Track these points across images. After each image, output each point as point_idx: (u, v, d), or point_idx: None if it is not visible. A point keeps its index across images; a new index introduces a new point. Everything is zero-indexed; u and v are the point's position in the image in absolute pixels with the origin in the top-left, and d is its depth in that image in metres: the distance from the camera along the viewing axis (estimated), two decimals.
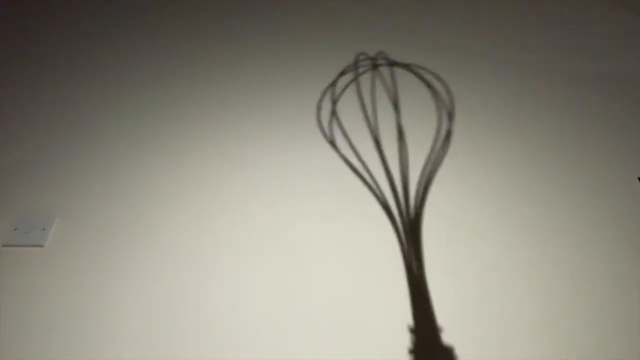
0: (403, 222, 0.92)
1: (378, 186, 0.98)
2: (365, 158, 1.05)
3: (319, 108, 1.08)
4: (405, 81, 1.22)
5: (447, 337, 0.83)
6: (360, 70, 1.16)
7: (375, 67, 1.14)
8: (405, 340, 0.82)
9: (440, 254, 0.94)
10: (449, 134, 1.04)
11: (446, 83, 1.13)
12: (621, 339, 0.83)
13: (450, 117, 1.05)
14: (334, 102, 1.03)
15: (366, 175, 1.00)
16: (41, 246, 0.95)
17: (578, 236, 0.97)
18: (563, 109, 1.21)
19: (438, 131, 1.07)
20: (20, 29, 1.47)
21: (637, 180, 1.06)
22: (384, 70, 1.17)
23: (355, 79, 1.11)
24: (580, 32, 1.43)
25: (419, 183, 1.01)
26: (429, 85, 1.09)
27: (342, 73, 1.13)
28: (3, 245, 0.96)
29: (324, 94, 1.08)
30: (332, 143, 0.98)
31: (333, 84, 1.07)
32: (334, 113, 1.01)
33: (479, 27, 1.45)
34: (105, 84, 1.29)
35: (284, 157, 1.10)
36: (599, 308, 0.87)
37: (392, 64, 1.14)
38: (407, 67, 1.12)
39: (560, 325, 0.85)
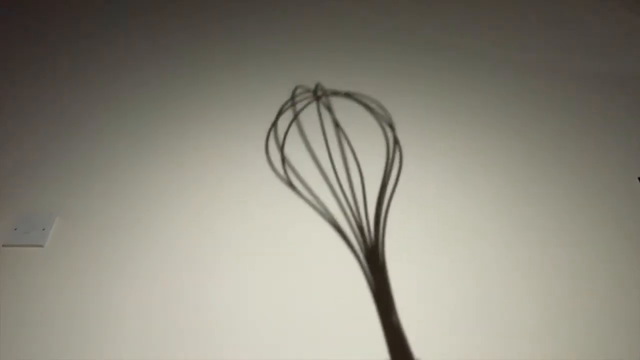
0: (366, 251, 0.91)
1: (335, 221, 0.97)
2: (322, 191, 1.04)
3: (266, 149, 1.07)
4: (346, 107, 1.19)
5: (448, 337, 0.83)
6: (300, 105, 1.15)
7: (318, 98, 1.14)
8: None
9: (440, 255, 0.94)
10: (396, 141, 1.04)
11: (379, 102, 1.13)
12: (621, 339, 0.83)
13: (392, 127, 1.06)
14: (281, 147, 1.03)
15: (324, 212, 0.99)
16: (41, 246, 0.95)
17: (578, 236, 0.97)
18: (563, 109, 1.21)
19: (386, 143, 1.07)
20: (20, 29, 1.47)
21: (637, 180, 1.06)
22: (325, 101, 1.17)
23: (296, 117, 1.11)
24: (580, 32, 1.43)
25: (379, 205, 1.00)
26: (367, 107, 1.09)
27: (281, 112, 1.12)
28: (3, 245, 0.96)
29: (268, 134, 1.08)
30: (291, 185, 0.98)
31: (274, 124, 1.06)
32: (283, 160, 1.01)
33: (479, 27, 1.45)
34: (105, 83, 1.29)
35: (284, 157, 1.10)
36: (599, 308, 0.87)
37: (332, 94, 1.14)
38: (347, 95, 1.12)
39: (560, 325, 0.85)
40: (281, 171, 1.07)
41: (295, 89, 1.16)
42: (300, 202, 1.02)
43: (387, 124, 1.05)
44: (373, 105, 1.08)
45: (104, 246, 0.96)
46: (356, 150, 1.07)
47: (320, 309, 0.87)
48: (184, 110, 1.22)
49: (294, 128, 1.10)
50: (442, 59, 1.33)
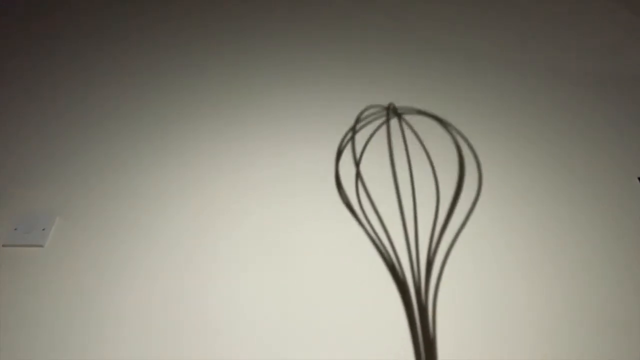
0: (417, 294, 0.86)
1: (395, 253, 0.92)
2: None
3: (337, 172, 1.01)
4: (421, 128, 1.11)
5: (448, 338, 0.83)
6: (378, 122, 1.08)
7: (399, 115, 1.06)
8: (404, 342, 0.82)
9: (440, 255, 0.94)
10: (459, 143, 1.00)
11: (464, 136, 1.07)
12: (621, 339, 0.83)
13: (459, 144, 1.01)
14: (357, 165, 0.97)
15: (384, 240, 0.95)
16: (41, 246, 0.95)
17: (578, 236, 0.97)
18: (563, 109, 1.21)
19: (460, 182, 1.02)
20: (20, 29, 1.46)
21: (637, 180, 1.06)
22: (396, 121, 1.09)
23: (375, 132, 1.04)
24: (580, 32, 1.43)
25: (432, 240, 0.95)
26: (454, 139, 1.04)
27: (354, 132, 1.04)
28: (3, 245, 0.96)
29: (339, 155, 1.01)
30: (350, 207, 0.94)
31: (344, 145, 0.99)
32: (358, 175, 0.96)
33: (479, 27, 1.45)
34: (105, 84, 1.29)
35: (285, 157, 1.10)
36: (599, 308, 0.87)
37: (415, 112, 1.06)
38: (422, 113, 1.06)
39: (560, 325, 0.85)
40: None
41: (364, 109, 1.12)
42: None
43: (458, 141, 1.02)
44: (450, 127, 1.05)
45: (104, 246, 0.96)
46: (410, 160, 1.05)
47: (321, 309, 0.87)
48: (184, 110, 1.22)
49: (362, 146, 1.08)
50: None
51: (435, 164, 1.03)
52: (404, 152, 1.04)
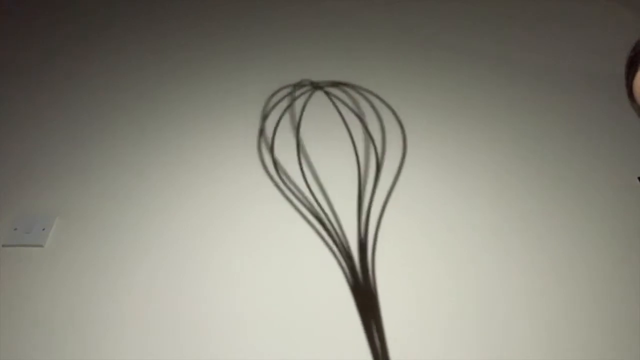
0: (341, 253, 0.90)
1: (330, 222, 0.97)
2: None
3: (259, 149, 1.07)
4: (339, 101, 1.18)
5: (447, 338, 0.83)
6: (296, 99, 1.15)
7: (318, 88, 1.12)
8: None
9: (439, 256, 0.94)
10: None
11: (379, 95, 1.15)
12: (621, 339, 0.83)
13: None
14: (271, 148, 1.05)
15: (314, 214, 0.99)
16: (41, 246, 0.95)
17: (578, 236, 0.97)
18: (563, 108, 1.21)
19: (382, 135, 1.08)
20: (20, 30, 1.46)
21: (637, 180, 1.06)
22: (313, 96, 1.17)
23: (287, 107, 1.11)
24: (580, 32, 1.43)
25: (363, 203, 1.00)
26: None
27: (266, 115, 1.11)
28: (3, 245, 0.96)
29: (261, 134, 1.08)
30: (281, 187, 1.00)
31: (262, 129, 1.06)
32: (275, 163, 1.01)
33: (479, 27, 1.45)
34: (105, 84, 1.29)
35: (283, 157, 1.10)
36: (598, 309, 0.87)
37: (326, 85, 1.12)
38: (339, 85, 1.12)
39: (559, 326, 0.85)
40: (273, 173, 1.07)
41: (277, 90, 1.19)
42: (294, 203, 1.02)
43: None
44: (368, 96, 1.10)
45: (103, 246, 0.96)
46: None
47: (321, 308, 0.87)
48: (183, 110, 1.21)
49: (284, 125, 1.14)
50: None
51: (352, 132, 1.11)
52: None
